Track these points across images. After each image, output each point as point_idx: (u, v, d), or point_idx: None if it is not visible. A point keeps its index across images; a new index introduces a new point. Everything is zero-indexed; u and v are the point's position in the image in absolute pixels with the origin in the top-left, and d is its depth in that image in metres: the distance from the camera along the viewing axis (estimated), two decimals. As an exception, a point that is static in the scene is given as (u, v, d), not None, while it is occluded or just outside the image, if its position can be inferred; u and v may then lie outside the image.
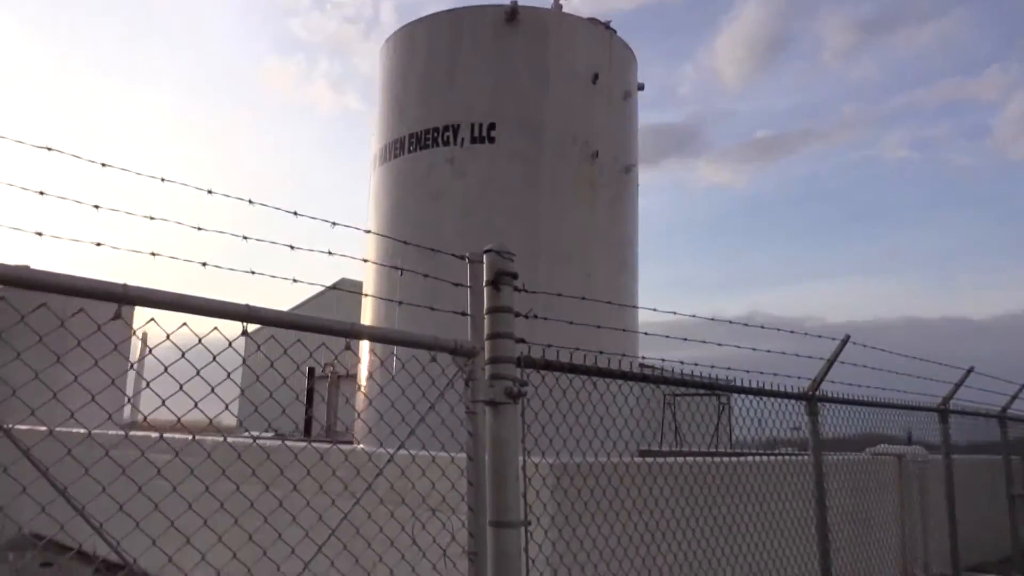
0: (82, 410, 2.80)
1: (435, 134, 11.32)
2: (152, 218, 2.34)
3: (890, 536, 8.66)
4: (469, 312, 3.30)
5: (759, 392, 4.83)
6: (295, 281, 2.76)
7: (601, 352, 3.75)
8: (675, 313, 4.29)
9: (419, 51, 11.96)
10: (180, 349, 2.40)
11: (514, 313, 3.35)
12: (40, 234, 2.17)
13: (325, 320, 2.71)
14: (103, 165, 2.30)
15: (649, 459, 5.25)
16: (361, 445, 6.52)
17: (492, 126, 11.08)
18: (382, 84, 12.52)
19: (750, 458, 6.28)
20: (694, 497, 5.28)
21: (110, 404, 2.78)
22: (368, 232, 3.21)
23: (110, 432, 6.46)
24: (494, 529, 3.12)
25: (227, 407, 2.47)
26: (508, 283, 3.37)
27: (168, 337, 2.45)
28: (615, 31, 12.30)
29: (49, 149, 2.21)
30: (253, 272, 2.49)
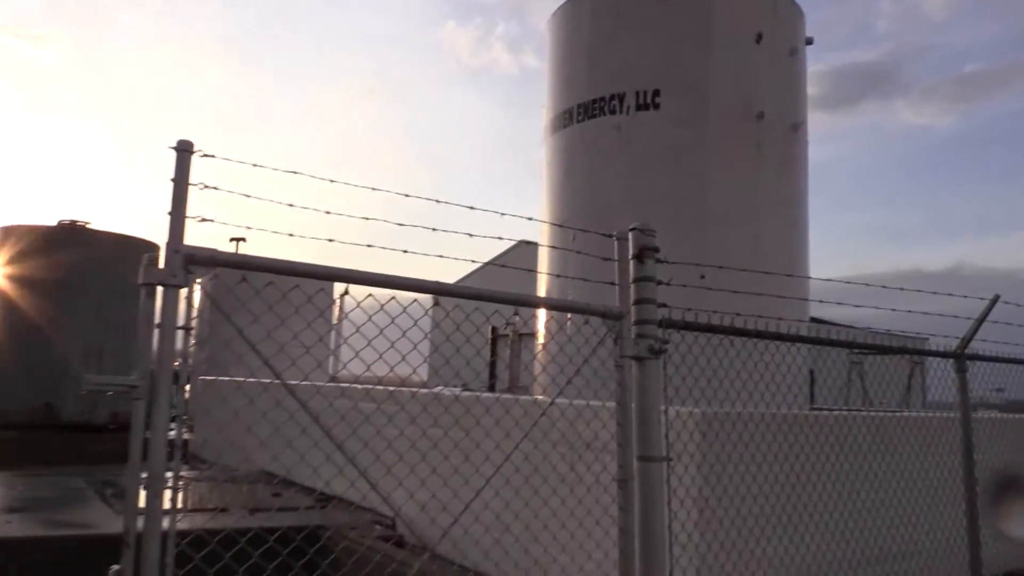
0: (292, 364, 3.61)
1: (601, 103, 11.78)
2: (328, 212, 3.13)
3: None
4: (616, 282, 3.88)
5: (902, 351, 5.03)
6: (441, 257, 3.48)
7: (738, 314, 4.22)
8: (809, 278, 4.65)
9: (583, 22, 12.41)
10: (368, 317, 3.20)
11: (656, 281, 3.90)
12: (278, 232, 3.00)
13: (490, 290, 3.41)
14: (331, 181, 3.11)
15: (800, 412, 5.61)
16: (540, 396, 7.30)
17: (656, 92, 11.39)
18: (550, 57, 13.11)
19: (901, 414, 6.43)
20: (842, 449, 5.60)
21: (318, 360, 3.65)
22: (503, 215, 3.84)
23: (319, 384, 7.62)
24: (641, 462, 3.73)
25: (415, 370, 3.24)
26: (651, 256, 3.92)
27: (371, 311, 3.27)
28: (780, -14, 12.15)
29: (295, 172, 3.04)
30: (405, 251, 3.26)
